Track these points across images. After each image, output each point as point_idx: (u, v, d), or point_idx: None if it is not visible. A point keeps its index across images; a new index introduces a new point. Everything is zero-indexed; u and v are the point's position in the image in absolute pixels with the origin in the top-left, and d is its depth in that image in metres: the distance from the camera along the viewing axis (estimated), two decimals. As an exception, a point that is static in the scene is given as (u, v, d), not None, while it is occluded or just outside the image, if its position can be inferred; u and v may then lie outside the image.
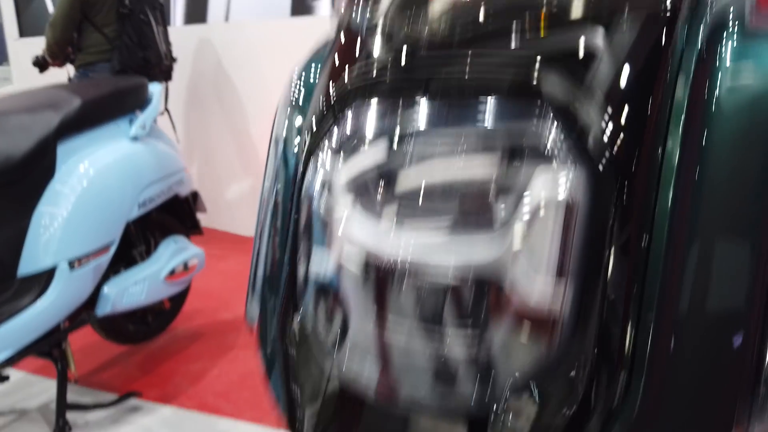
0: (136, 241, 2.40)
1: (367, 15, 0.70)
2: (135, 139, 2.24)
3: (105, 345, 2.69)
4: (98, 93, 2.17)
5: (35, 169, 1.93)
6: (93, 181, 2.03)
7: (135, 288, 2.28)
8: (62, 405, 2.09)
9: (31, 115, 1.97)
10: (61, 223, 1.95)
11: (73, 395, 2.27)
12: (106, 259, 2.11)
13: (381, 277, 0.59)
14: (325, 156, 0.66)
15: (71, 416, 2.16)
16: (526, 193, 0.53)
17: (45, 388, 2.44)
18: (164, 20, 3.66)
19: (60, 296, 1.96)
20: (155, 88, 2.43)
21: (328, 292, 0.65)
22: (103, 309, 2.18)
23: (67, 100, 2.05)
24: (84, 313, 2.14)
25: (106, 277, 2.18)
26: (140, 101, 2.33)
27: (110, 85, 2.30)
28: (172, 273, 2.41)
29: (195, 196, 2.75)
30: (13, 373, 2.50)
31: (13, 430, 2.22)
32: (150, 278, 2.33)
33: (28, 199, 1.93)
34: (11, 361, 1.91)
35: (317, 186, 0.66)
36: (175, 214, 2.63)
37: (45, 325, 1.95)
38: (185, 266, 2.47)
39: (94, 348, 2.74)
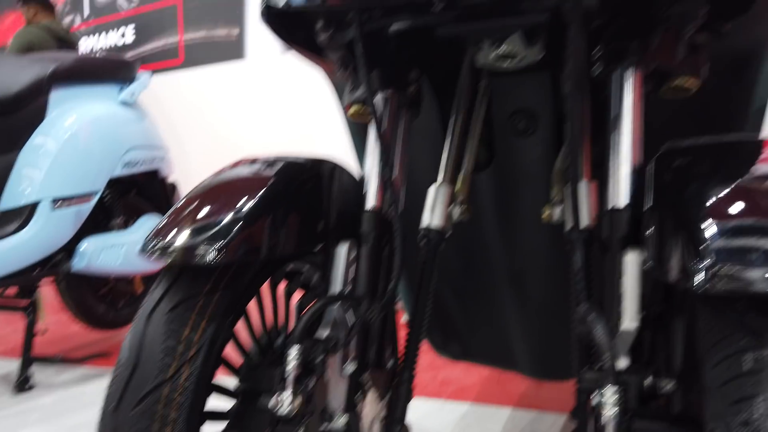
0: (115, 212, 2.41)
1: None
2: (124, 103, 2.34)
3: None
4: (92, 56, 2.29)
5: (27, 107, 1.99)
6: (82, 128, 2.09)
7: (112, 251, 2.26)
8: (27, 358, 1.99)
9: (29, 60, 2.06)
10: (48, 161, 1.98)
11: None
12: (87, 207, 2.11)
13: None
14: None
15: (37, 376, 2.05)
16: None
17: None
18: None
19: (39, 232, 1.94)
20: (145, 73, 2.57)
21: None
22: (79, 263, 2.14)
23: (64, 56, 2.16)
24: (60, 264, 2.11)
25: (84, 234, 2.17)
26: (129, 75, 2.44)
27: (103, 56, 2.43)
28: (149, 246, 2.40)
29: (173, 188, 2.80)
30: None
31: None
32: (127, 246, 2.32)
33: (18, 134, 1.97)
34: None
35: None
36: (153, 199, 2.66)
37: (21, 261, 1.91)
38: (163, 242, 2.47)
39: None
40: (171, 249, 0.68)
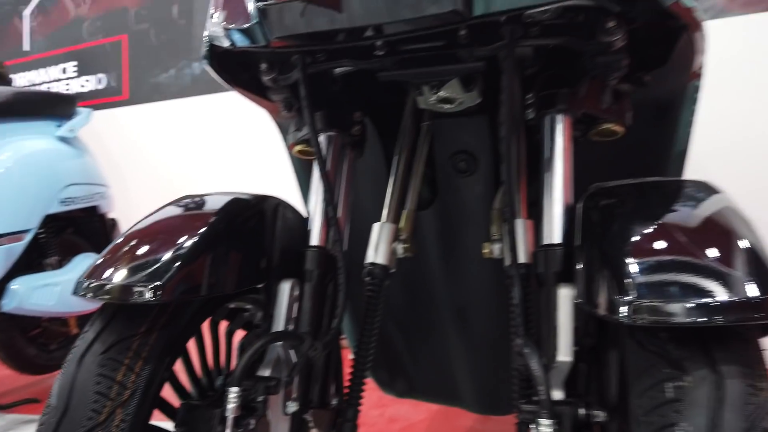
0: (50, 250, 2.31)
1: None
2: (62, 139, 2.27)
3: None
4: (31, 90, 2.23)
5: (-42, 141, 1.90)
6: (15, 164, 2.01)
7: (45, 290, 2.15)
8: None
9: (-39, 93, 1.98)
10: (-22, 197, 1.89)
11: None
12: (19, 246, 2.02)
13: None
14: None
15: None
16: None
17: None
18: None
19: (-34, 272, 1.83)
20: (85, 109, 2.52)
21: None
22: (9, 304, 2.03)
23: (1, 90, 2.10)
24: (-13, 304, 1.99)
25: (16, 273, 2.07)
26: (68, 111, 2.38)
27: (42, 91, 2.36)
28: (85, 285, 2.31)
29: (113, 224, 2.72)
30: None
31: None
32: (62, 285, 2.22)
33: (-54, 169, 1.88)
34: None
35: None
36: (92, 236, 2.57)
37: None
38: (100, 281, 2.38)
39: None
40: (106, 287, 0.66)
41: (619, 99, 0.87)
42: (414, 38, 0.80)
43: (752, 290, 0.51)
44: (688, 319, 0.50)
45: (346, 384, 0.90)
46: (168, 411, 0.80)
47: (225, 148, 4.17)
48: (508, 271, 0.84)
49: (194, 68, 4.31)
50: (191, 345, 0.81)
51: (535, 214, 0.85)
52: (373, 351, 0.91)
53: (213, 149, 4.20)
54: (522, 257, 0.81)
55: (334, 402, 0.91)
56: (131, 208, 4.20)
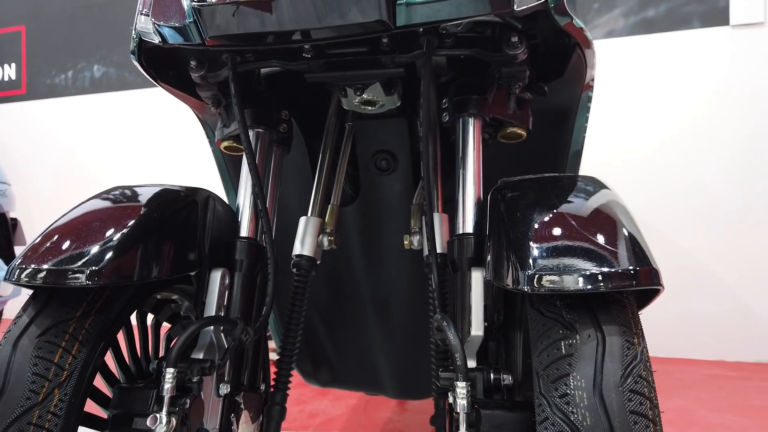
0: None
1: None
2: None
3: None
4: None
5: None
6: None
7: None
8: None
9: None
10: None
11: None
12: None
13: None
14: None
15: None
16: None
17: None
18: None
19: None
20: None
21: None
22: None
23: None
24: None
25: None
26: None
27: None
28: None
29: (15, 224, 2.58)
30: None
31: None
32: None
33: None
34: None
35: None
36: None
37: None
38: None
39: None
40: (42, 272, 0.67)
41: (523, 106, 0.98)
42: (340, 43, 0.86)
43: (628, 264, 0.62)
44: (578, 287, 0.60)
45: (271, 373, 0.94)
46: (98, 398, 0.81)
47: (130, 145, 4.04)
48: (426, 259, 0.92)
49: (94, 70, 4.14)
50: (119, 336, 0.82)
51: (449, 209, 0.94)
52: (300, 338, 0.96)
53: (118, 146, 4.05)
54: (439, 247, 0.89)
55: (262, 388, 0.95)
56: (30, 208, 3.97)
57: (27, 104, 4.28)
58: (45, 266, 0.68)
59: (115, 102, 4.03)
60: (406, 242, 1.05)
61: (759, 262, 2.82)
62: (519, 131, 0.98)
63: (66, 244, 0.71)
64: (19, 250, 2.60)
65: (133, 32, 0.92)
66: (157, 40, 0.86)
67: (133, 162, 4.00)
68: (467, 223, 0.86)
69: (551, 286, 0.61)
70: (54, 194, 4.11)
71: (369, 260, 1.24)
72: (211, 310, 0.86)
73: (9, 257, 2.50)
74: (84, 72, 4.12)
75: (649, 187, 2.92)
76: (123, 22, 4.00)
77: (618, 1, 3.04)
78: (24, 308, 0.71)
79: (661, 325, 2.79)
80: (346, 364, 1.45)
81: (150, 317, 0.99)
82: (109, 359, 0.83)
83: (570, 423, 0.56)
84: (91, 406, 0.76)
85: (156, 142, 3.93)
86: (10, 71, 4.35)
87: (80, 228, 0.74)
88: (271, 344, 1.79)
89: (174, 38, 0.84)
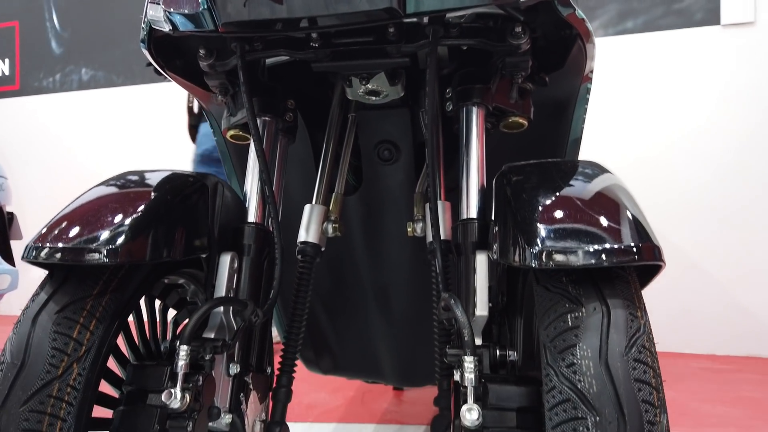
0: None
1: None
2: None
3: None
4: None
5: None
6: None
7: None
8: None
9: None
10: None
11: None
12: None
13: None
14: None
15: None
16: None
17: None
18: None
19: None
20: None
21: None
22: None
23: None
24: None
25: None
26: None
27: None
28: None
29: (12, 217, 2.57)
30: None
31: None
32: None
33: None
34: None
35: None
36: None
37: None
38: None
39: None
40: (59, 250, 0.69)
41: (524, 96, 1.00)
42: (347, 33, 0.88)
43: (631, 241, 0.64)
44: (584, 262, 0.62)
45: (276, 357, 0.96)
46: (110, 379, 0.83)
47: (123, 140, 4.03)
48: (430, 246, 0.94)
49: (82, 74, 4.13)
50: (129, 321, 0.83)
51: (452, 198, 0.96)
52: (305, 323, 0.98)
53: (110, 142, 4.04)
54: (442, 233, 0.91)
55: (268, 371, 0.97)
56: (23, 203, 3.95)
57: (20, 100, 4.26)
58: (62, 245, 0.69)
59: (108, 98, 4.02)
60: (409, 229, 1.07)
61: (749, 258, 2.87)
62: (521, 120, 1.00)
63: (82, 225, 0.72)
64: (15, 244, 2.60)
65: (143, 20, 0.93)
66: (167, 27, 0.87)
67: (125, 157, 4.00)
68: (471, 208, 0.88)
69: (558, 261, 0.63)
70: (49, 191, 4.09)
71: (371, 249, 1.26)
72: (220, 292, 0.88)
73: (5, 251, 2.50)
74: (72, 75, 4.11)
75: (639, 183, 2.96)
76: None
77: (597, 13, 3.08)
78: (41, 286, 0.73)
79: (653, 321, 2.83)
80: (348, 352, 1.47)
81: (158, 304, 1.01)
82: (120, 343, 0.85)
83: (577, 390, 0.59)
84: (102, 387, 0.77)
85: (147, 137, 3.93)
86: (3, 67, 4.33)
87: (95, 210, 0.75)
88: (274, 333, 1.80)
89: (185, 25, 0.85)
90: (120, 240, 0.70)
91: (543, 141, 1.18)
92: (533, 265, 0.64)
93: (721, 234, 2.90)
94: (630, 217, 0.68)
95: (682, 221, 2.95)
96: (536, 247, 0.65)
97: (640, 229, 0.66)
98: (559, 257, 0.63)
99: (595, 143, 2.98)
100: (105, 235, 0.71)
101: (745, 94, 2.87)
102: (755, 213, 2.86)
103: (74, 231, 0.71)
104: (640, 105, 3.04)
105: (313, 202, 1.06)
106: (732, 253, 2.89)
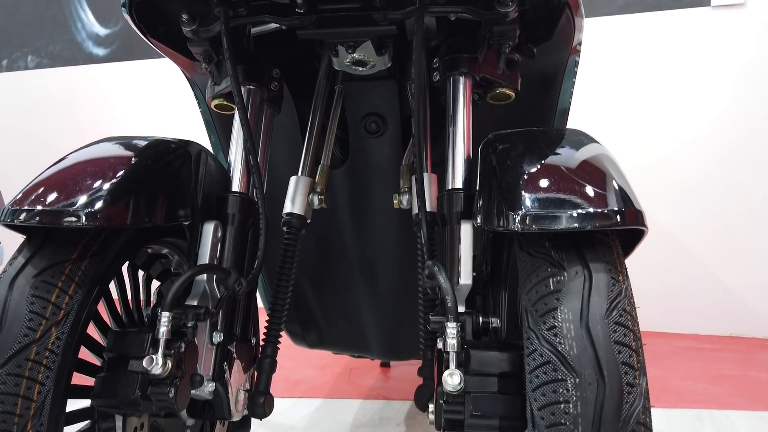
0: None
1: None
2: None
3: None
4: None
5: None
6: None
7: None
8: None
9: None
10: None
11: None
12: None
13: None
14: None
15: None
16: None
17: None
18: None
19: None
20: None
21: None
22: None
23: None
24: None
25: None
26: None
27: None
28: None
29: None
30: None
31: None
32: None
33: None
34: None
35: None
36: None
37: None
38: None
39: None
40: (38, 213, 0.68)
41: (512, 67, 0.99)
42: None
43: (614, 205, 0.64)
44: (566, 225, 0.62)
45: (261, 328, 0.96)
46: (91, 346, 0.82)
47: (106, 117, 3.97)
48: (415, 217, 0.94)
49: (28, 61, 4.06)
50: (110, 288, 0.83)
51: (438, 171, 0.96)
52: (291, 294, 0.98)
53: (95, 118, 3.98)
54: (428, 206, 0.91)
55: (253, 341, 0.97)
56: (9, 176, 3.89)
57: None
58: (40, 208, 0.68)
59: (78, 75, 3.95)
60: (395, 201, 1.07)
61: (732, 238, 2.90)
62: (508, 92, 0.99)
63: (60, 188, 0.71)
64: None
65: None
66: None
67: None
68: (457, 178, 0.88)
69: (541, 225, 0.63)
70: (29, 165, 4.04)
71: (357, 223, 1.26)
72: (203, 261, 0.87)
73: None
74: (18, 62, 4.06)
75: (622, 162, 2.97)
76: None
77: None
78: (19, 250, 0.72)
79: (637, 302, 2.86)
80: (334, 326, 1.47)
81: (141, 274, 1.00)
82: (101, 310, 0.84)
83: (557, 353, 0.59)
84: (84, 355, 0.77)
85: (120, 116, 3.87)
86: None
87: (74, 173, 0.74)
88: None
89: None
90: (99, 204, 0.69)
91: (530, 113, 1.17)
92: (516, 229, 0.64)
93: (705, 215, 2.93)
94: (614, 183, 0.68)
95: (666, 202, 2.97)
96: (520, 212, 0.65)
97: (623, 194, 0.66)
98: (542, 221, 0.63)
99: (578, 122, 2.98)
100: (84, 198, 0.70)
101: (734, 75, 2.88)
102: (738, 194, 2.88)
103: (53, 194, 0.70)
104: (624, 85, 3.04)
105: (299, 173, 1.05)
106: (716, 234, 2.92)
